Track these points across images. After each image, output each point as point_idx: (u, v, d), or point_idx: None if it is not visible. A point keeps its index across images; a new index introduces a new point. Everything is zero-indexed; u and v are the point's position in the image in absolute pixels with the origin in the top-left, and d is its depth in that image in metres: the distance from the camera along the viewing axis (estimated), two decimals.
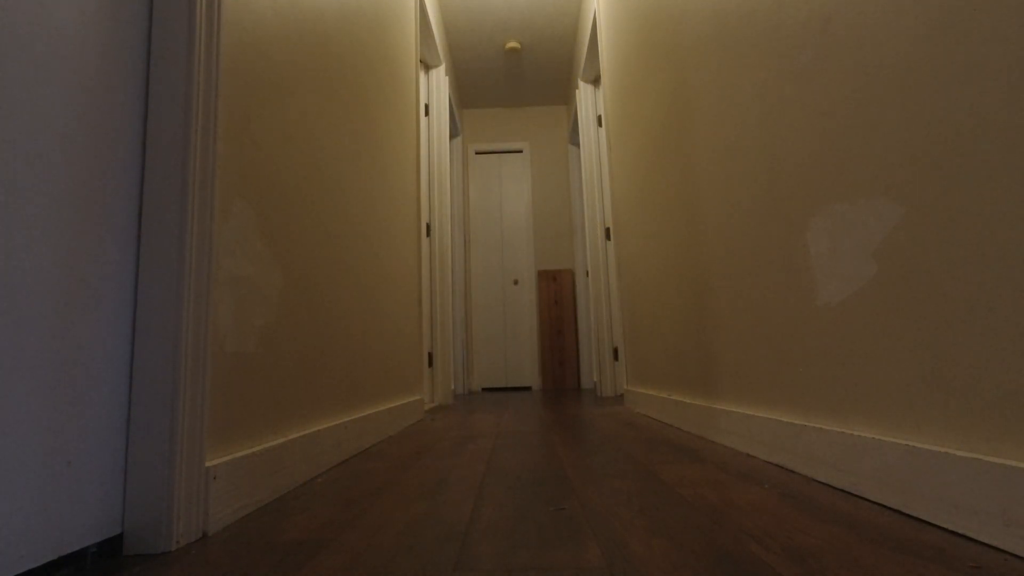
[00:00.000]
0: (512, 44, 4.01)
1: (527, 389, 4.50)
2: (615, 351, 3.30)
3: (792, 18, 0.99)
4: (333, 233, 1.34)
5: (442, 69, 3.58)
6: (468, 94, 4.74)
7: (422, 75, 3.49)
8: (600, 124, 3.61)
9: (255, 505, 0.86)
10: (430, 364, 3.15)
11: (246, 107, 0.92)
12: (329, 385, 1.27)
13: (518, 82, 4.58)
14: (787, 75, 1.01)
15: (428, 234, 3.32)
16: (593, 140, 3.59)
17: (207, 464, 0.75)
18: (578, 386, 4.47)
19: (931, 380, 0.70)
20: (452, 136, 4.58)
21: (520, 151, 4.95)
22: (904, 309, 0.74)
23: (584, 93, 3.69)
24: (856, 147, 0.83)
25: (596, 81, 3.66)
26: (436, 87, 3.57)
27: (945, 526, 0.66)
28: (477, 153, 4.95)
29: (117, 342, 0.69)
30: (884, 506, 0.76)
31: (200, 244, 0.76)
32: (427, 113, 3.49)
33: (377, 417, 1.60)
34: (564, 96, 4.82)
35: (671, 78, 1.71)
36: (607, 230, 3.45)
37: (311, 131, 1.22)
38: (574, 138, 4.70)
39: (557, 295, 4.61)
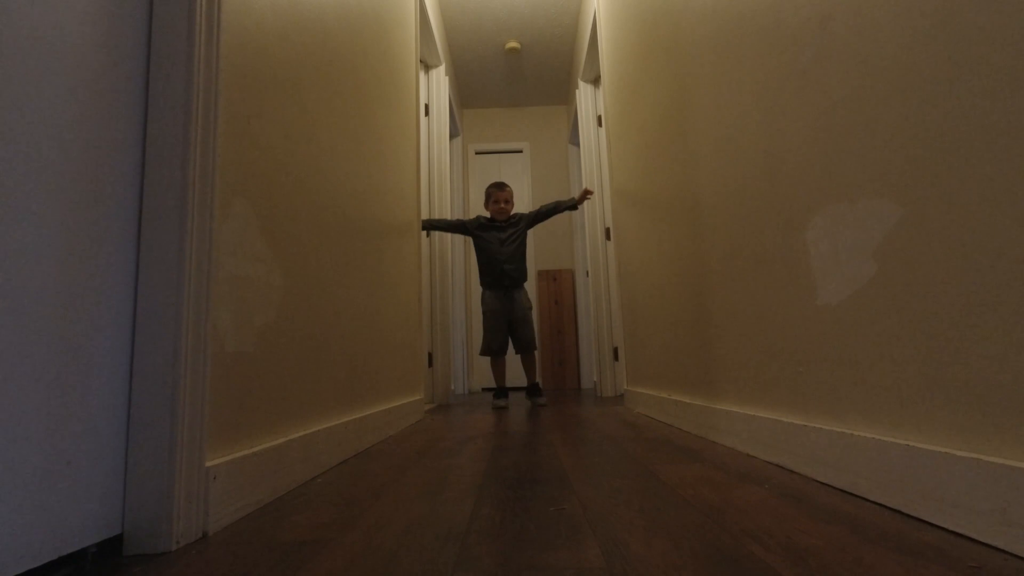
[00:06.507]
0: (512, 44, 4.01)
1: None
2: (615, 351, 3.30)
3: (792, 17, 0.99)
4: (333, 232, 1.34)
5: (442, 69, 3.57)
6: (468, 94, 4.74)
7: (422, 75, 3.48)
8: (600, 124, 3.60)
9: (255, 505, 0.86)
10: (430, 364, 3.15)
11: (246, 107, 0.92)
12: (329, 385, 1.27)
13: (518, 82, 4.58)
14: (787, 74, 1.01)
15: (428, 234, 3.32)
16: (593, 140, 3.59)
17: (207, 464, 0.75)
18: (578, 386, 4.47)
19: (931, 380, 0.70)
20: (452, 136, 4.58)
21: (520, 151, 4.95)
22: (904, 309, 0.74)
23: (584, 93, 3.69)
24: (856, 147, 0.83)
25: (596, 81, 3.66)
26: (436, 87, 3.57)
27: (945, 526, 0.66)
28: (477, 153, 4.94)
29: (117, 342, 0.69)
30: (884, 506, 0.76)
31: (200, 244, 0.76)
32: (427, 113, 3.49)
33: (377, 417, 1.60)
34: (564, 96, 4.82)
35: (671, 78, 1.71)
36: (607, 230, 3.45)
37: (311, 130, 1.22)
38: (574, 138, 4.70)
39: (557, 295, 4.61)
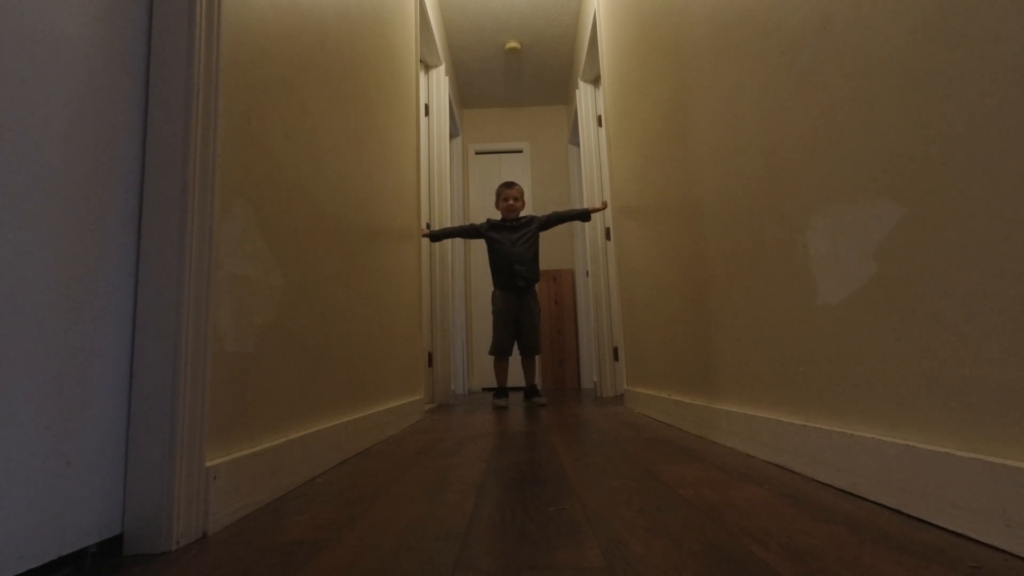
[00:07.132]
0: (512, 44, 4.01)
1: None
2: (615, 351, 3.30)
3: (791, 17, 0.99)
4: (333, 232, 1.34)
5: (442, 69, 3.57)
6: (468, 94, 4.73)
7: (422, 75, 3.48)
8: (600, 124, 3.60)
9: (255, 505, 0.86)
10: (430, 364, 3.15)
11: (246, 106, 0.92)
12: (329, 385, 1.27)
13: (518, 82, 4.58)
14: (787, 74, 1.01)
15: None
16: (593, 140, 3.59)
17: (207, 464, 0.75)
18: (578, 386, 4.47)
19: (931, 380, 0.70)
20: (452, 136, 4.58)
21: (520, 151, 4.95)
22: (904, 309, 0.74)
23: (584, 93, 3.69)
24: (856, 147, 0.83)
25: (596, 81, 3.66)
26: (436, 87, 3.57)
27: (945, 526, 0.66)
28: (477, 153, 4.94)
29: (117, 342, 0.69)
30: (884, 506, 0.76)
31: (200, 244, 0.76)
32: (427, 113, 3.49)
33: (377, 417, 1.60)
34: (564, 96, 4.82)
35: (671, 78, 1.71)
36: (607, 230, 3.45)
37: (312, 130, 1.22)
38: (574, 138, 4.69)
39: (557, 295, 4.61)
